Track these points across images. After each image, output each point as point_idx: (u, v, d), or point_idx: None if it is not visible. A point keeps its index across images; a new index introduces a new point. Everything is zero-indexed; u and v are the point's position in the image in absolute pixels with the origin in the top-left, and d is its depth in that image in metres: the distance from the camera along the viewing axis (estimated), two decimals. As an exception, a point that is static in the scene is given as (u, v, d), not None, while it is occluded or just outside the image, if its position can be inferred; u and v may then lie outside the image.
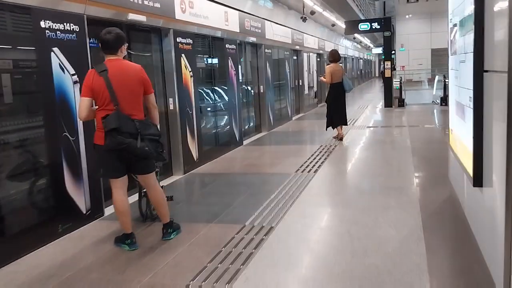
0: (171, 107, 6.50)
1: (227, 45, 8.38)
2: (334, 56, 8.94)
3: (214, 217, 4.51)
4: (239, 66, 9.34)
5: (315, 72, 16.93)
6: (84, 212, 4.49)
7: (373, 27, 15.22)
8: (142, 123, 3.73)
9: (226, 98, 8.45)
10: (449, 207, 4.46)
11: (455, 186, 4.67)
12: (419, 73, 31.41)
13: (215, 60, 8.14)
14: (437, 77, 18.20)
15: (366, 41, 34.42)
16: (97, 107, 3.70)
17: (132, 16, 5.35)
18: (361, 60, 37.65)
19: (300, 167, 6.61)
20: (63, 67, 4.24)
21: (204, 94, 7.88)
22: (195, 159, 6.96)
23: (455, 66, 4.16)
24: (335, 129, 8.94)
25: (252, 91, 10.50)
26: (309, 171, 6.34)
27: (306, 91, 15.39)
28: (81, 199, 4.44)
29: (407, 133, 9.49)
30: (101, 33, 3.75)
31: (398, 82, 15.08)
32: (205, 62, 7.89)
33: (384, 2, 28.20)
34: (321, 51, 18.11)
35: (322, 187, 5.75)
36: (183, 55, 6.63)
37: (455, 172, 4.53)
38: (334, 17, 17.00)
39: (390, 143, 8.61)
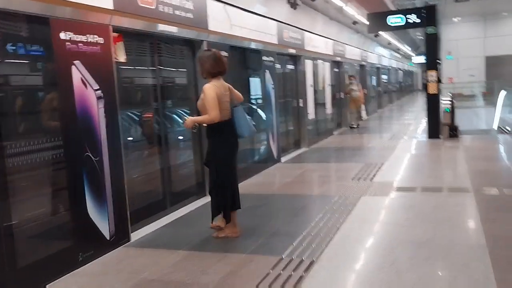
0: None
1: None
2: (217, 64, 4.20)
3: None
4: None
5: (328, 87, 12.09)
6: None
7: (410, 20, 10.30)
8: None
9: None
10: None
11: None
12: (470, 86, 25.83)
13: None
14: (503, 93, 12.97)
15: (405, 48, 29.11)
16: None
17: None
18: (400, 71, 32.25)
19: None
20: None
21: None
22: None
23: None
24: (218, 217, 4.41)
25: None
26: None
27: (311, 114, 10.57)
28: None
29: (476, 214, 4.58)
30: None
31: (449, 103, 10.02)
32: None
33: (426, 2, 23.17)
34: (338, 58, 13.28)
35: None
36: None
37: None
38: (355, 11, 12.18)
39: (441, 258, 3.72)
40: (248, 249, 3.98)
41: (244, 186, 6.34)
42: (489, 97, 20.80)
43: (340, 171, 7.70)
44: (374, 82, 20.15)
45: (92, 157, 3.95)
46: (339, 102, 13.60)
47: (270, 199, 5.79)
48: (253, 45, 7.42)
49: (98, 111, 4.05)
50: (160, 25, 4.97)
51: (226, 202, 4.29)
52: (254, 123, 5.06)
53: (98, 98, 4.05)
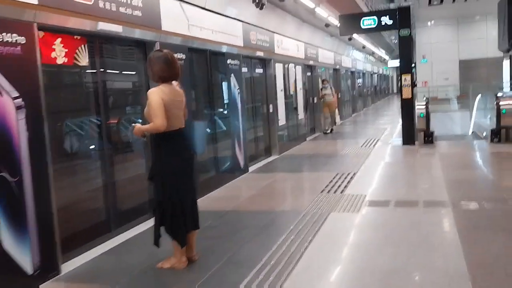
0: None
1: None
2: (169, 67, 3.59)
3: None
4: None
5: (300, 91, 11.62)
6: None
7: (383, 23, 9.93)
8: None
9: None
10: None
11: None
12: (445, 89, 25.82)
13: None
14: (479, 97, 12.72)
15: (380, 52, 29.02)
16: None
17: None
18: (375, 75, 32.17)
19: None
20: None
21: None
22: None
23: None
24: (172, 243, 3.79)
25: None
26: None
27: (282, 120, 10.07)
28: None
29: (455, 234, 4.12)
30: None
31: (423, 108, 9.67)
32: None
33: (400, 5, 23.08)
34: (310, 62, 12.84)
35: None
36: None
37: None
38: (327, 13, 11.74)
39: None
40: (194, 284, 3.40)
41: (204, 201, 5.77)
42: (464, 100, 20.69)
43: (310, 181, 7.21)
44: (348, 86, 19.83)
45: (8, 177, 3.33)
46: (312, 106, 13.17)
47: (230, 216, 5.23)
48: (215, 48, 6.87)
49: (17, 123, 3.43)
50: (100, 23, 4.37)
51: (175, 224, 3.71)
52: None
53: (18, 107, 3.44)
